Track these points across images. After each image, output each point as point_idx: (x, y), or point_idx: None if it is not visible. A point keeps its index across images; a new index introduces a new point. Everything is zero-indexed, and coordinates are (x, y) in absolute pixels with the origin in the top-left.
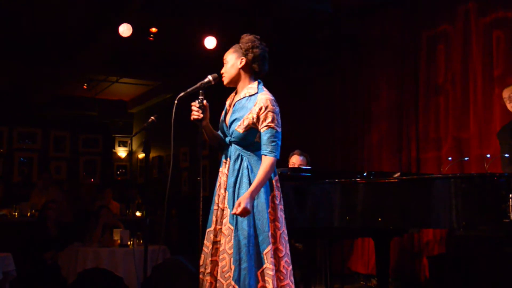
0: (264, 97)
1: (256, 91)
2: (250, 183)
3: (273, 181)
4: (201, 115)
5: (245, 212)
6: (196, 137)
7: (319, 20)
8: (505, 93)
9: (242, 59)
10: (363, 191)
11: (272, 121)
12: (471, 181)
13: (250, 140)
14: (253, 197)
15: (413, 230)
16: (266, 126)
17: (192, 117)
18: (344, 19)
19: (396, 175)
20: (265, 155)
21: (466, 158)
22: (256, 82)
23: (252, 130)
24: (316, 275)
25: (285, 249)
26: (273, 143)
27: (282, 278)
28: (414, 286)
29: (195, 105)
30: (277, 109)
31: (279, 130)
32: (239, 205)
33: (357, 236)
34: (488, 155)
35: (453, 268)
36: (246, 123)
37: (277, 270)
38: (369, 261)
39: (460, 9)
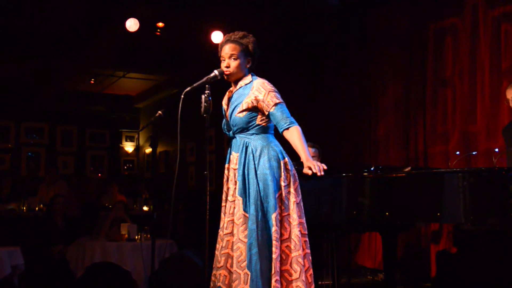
0: (259, 81)
1: (251, 80)
2: (255, 168)
3: (281, 162)
4: None
5: (322, 165)
6: (203, 132)
7: (326, 13)
8: (509, 94)
9: (249, 59)
10: (370, 186)
11: (277, 98)
12: (479, 175)
13: (252, 123)
14: (310, 159)
15: (420, 224)
16: (273, 104)
17: None
18: (351, 11)
19: (406, 169)
20: (289, 127)
21: (474, 152)
22: (250, 74)
23: (252, 113)
24: (323, 269)
25: (288, 233)
26: (288, 115)
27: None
28: (421, 280)
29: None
30: (275, 88)
31: (285, 104)
32: (314, 167)
33: (364, 230)
34: (496, 149)
35: (461, 263)
36: (245, 106)
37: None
38: (376, 255)
39: (468, 2)
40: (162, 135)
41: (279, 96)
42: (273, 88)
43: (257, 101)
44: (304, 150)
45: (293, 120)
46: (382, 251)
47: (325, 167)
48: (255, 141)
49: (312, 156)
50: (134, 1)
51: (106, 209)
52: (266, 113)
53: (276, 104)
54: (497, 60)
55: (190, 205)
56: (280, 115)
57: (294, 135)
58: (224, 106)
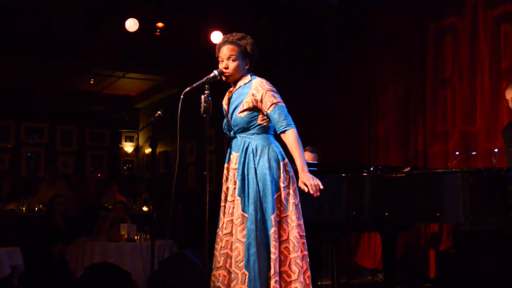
0: (258, 80)
1: (250, 79)
2: (255, 168)
3: (281, 163)
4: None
5: (318, 183)
6: (202, 132)
7: (326, 14)
8: (508, 94)
9: (247, 61)
10: (370, 186)
11: (275, 98)
12: (478, 175)
13: (253, 123)
14: (305, 170)
15: (420, 224)
16: (271, 105)
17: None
18: (351, 11)
19: (406, 170)
20: (285, 130)
21: (473, 153)
22: (249, 74)
23: (253, 112)
24: (323, 269)
25: (287, 234)
26: (286, 117)
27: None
28: (421, 281)
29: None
30: (274, 87)
31: (283, 104)
32: (311, 187)
33: (363, 230)
34: (496, 150)
35: (460, 263)
36: (246, 106)
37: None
38: (376, 255)
39: (467, 2)
40: (161, 135)
41: (277, 95)
42: (271, 87)
43: (256, 100)
44: (300, 157)
45: (290, 122)
46: (382, 251)
47: (321, 187)
48: (256, 141)
49: (311, 161)
50: (133, 1)
51: (106, 209)
52: (265, 113)
53: (274, 105)
54: (496, 60)
55: (189, 205)
56: (277, 117)
57: (290, 139)
58: (225, 106)
